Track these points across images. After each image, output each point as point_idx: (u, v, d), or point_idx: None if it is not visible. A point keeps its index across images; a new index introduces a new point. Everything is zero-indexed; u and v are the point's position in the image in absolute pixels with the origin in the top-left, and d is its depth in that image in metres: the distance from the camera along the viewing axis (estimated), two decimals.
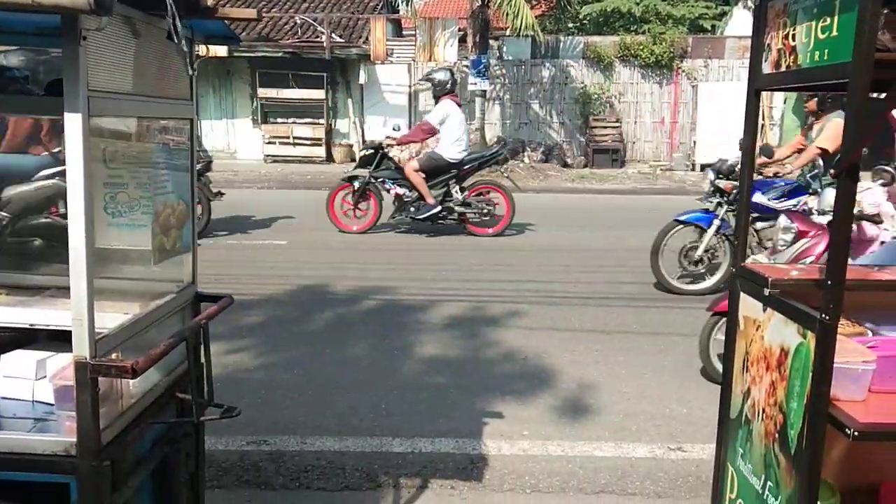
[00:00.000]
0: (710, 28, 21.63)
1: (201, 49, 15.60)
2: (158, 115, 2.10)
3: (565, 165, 16.58)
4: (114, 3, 1.43)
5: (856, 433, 1.52)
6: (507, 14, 14.96)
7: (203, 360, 2.14)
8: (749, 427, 1.95)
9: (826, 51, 1.62)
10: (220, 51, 15.52)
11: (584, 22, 23.45)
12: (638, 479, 3.07)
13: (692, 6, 21.81)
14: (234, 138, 18.08)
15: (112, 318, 1.92)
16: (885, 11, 1.53)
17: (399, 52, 18.06)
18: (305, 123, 17.23)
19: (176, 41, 1.67)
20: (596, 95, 17.66)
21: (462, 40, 17.59)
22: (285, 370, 4.30)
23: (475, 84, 15.40)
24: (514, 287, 6.26)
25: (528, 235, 8.83)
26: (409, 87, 17.97)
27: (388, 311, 5.54)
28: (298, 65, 16.94)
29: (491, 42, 17.03)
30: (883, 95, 1.68)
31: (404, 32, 20.68)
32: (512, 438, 3.44)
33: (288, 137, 17.12)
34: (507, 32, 17.55)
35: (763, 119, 16.95)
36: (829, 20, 1.61)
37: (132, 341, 1.89)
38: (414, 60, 17.56)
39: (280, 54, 16.73)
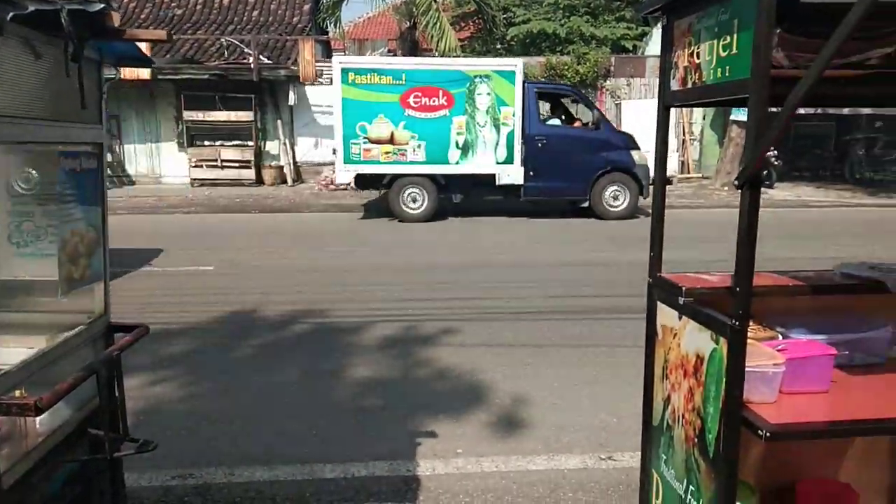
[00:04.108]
0: (631, 48, 22.40)
1: (123, 72, 15.23)
2: (62, 139, 2.02)
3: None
4: (5, 24, 1.36)
5: (768, 434, 1.57)
6: (432, 36, 15.16)
7: (117, 393, 2.05)
8: (670, 433, 1.99)
9: (728, 67, 1.69)
10: (143, 73, 15.15)
11: (512, 43, 23.92)
12: (570, 491, 3.09)
13: (614, 27, 22.55)
14: (158, 162, 17.60)
15: (16, 353, 1.82)
16: (778, 31, 1.61)
17: (329, 73, 18.00)
18: (233, 146, 16.93)
19: (77, 62, 1.60)
20: None
21: None
22: (212, 399, 4.16)
23: None
24: (448, 305, 6.27)
25: (468, 253, 8.88)
26: None
27: (320, 335, 5.46)
28: (225, 87, 16.67)
29: None
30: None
31: (334, 53, 20.65)
32: (446, 457, 3.42)
33: (215, 160, 16.78)
34: (435, 53, 17.75)
35: (684, 135, 17.65)
36: (729, 39, 1.68)
37: (39, 376, 1.80)
38: None
39: (206, 76, 16.42)
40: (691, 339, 1.86)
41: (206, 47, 17.65)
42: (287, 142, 17.29)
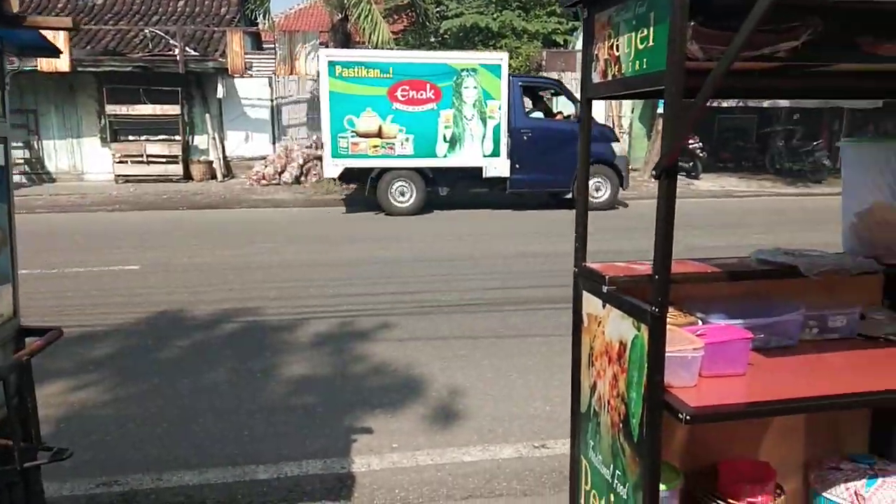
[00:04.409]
0: (562, 42, 22.74)
1: (40, 63, 14.49)
2: None
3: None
4: None
5: (688, 418, 1.61)
6: (364, 28, 15.01)
7: (28, 399, 1.94)
8: (597, 420, 2.03)
9: (645, 60, 1.72)
10: (62, 65, 14.47)
11: (446, 37, 23.94)
12: (505, 480, 3.12)
13: (545, 22, 22.81)
14: (80, 159, 16.86)
15: None
16: (692, 24, 1.65)
17: (259, 66, 17.61)
18: (160, 140, 16.37)
19: None
20: None
21: None
22: (138, 403, 4.02)
23: None
24: (387, 299, 6.23)
25: (403, 245, 8.85)
26: (272, 100, 17.56)
27: (251, 333, 5.34)
28: (150, 79, 16.08)
29: None
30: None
31: (264, 46, 20.21)
32: (381, 452, 3.40)
33: (141, 156, 16.19)
34: (369, 46, 17.58)
35: (614, 127, 18.04)
36: (646, 31, 1.71)
37: None
38: (275, 74, 17.17)
39: (129, 69, 15.80)
40: (615, 327, 1.89)
41: (129, 38, 16.97)
42: (216, 136, 16.84)
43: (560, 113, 13.18)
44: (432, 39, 23.66)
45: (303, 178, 15.39)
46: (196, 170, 16.49)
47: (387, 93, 11.53)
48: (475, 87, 11.76)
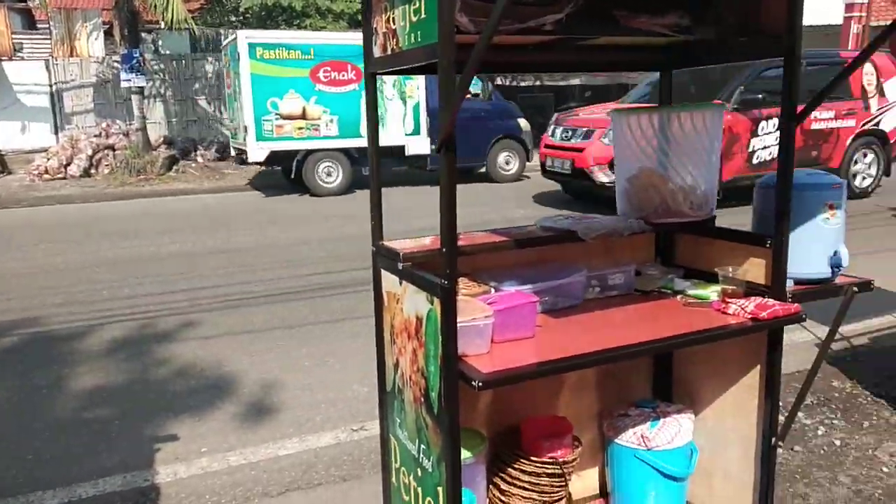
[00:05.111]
0: None
1: None
2: None
3: (243, 163, 16.07)
4: None
5: (480, 384, 1.64)
6: (156, 6, 13.92)
7: None
8: (402, 396, 2.02)
9: (419, 33, 1.70)
10: None
11: (247, 16, 22.90)
12: (323, 469, 3.06)
13: (350, 2, 22.59)
14: None
15: None
16: None
17: (32, 47, 15.76)
18: None
19: None
20: None
21: (109, 33, 15.95)
22: None
23: (129, 81, 14.07)
24: (188, 296, 5.85)
25: (199, 237, 8.35)
26: (51, 86, 15.80)
27: (33, 346, 4.76)
28: None
29: (144, 35, 15.76)
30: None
31: (38, 25, 18.10)
32: (189, 459, 3.18)
33: None
34: (161, 25, 16.36)
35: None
36: (418, 3, 1.69)
37: None
38: (52, 56, 15.45)
39: None
40: (411, 303, 1.89)
41: None
42: None
43: (469, 92, 13.38)
44: (233, 19, 22.55)
45: (93, 171, 14.02)
46: None
47: (309, 74, 11.43)
48: None
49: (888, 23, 1.98)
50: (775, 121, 8.78)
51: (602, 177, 9.01)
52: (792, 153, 1.99)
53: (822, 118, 9.82)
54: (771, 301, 1.99)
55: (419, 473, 1.93)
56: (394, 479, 2.18)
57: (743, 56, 2.22)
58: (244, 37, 11.55)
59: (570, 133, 9.79)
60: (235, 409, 3.70)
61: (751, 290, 2.07)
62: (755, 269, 2.11)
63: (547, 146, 10.21)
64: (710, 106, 2.31)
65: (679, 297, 2.20)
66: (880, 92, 10.30)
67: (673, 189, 2.21)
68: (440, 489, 1.79)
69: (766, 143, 9.20)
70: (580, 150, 9.36)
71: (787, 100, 1.95)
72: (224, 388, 3.95)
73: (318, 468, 3.06)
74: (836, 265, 2.08)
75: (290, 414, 3.62)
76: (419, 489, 1.95)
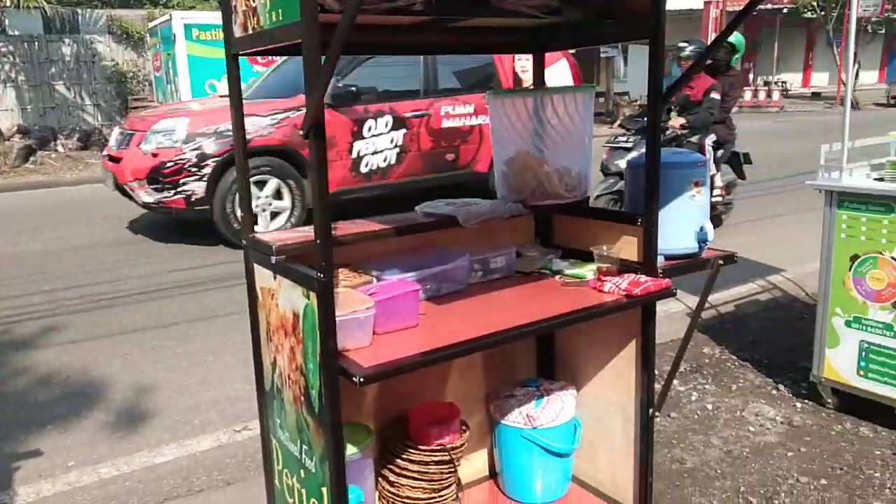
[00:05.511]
0: None
1: None
2: None
3: None
4: None
5: (361, 380, 1.58)
6: None
7: None
8: (281, 396, 1.93)
9: (281, 11, 1.60)
10: None
11: None
12: (205, 473, 2.90)
13: None
14: None
15: None
16: None
17: None
18: None
19: None
20: (132, 74, 16.37)
21: None
22: None
23: None
24: (51, 297, 5.40)
25: (61, 233, 7.74)
26: None
27: None
28: None
29: None
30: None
31: None
32: (54, 475, 2.93)
33: None
34: (7, 3, 14.94)
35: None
36: None
37: None
38: None
39: None
40: (287, 298, 1.80)
41: None
42: None
43: None
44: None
45: None
46: None
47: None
48: None
49: (741, 7, 2.08)
50: (388, 119, 7.25)
51: (143, 195, 6.61)
52: (658, 132, 2.05)
53: (457, 113, 7.78)
54: (643, 277, 2.05)
55: (302, 475, 1.86)
56: (277, 482, 2.09)
57: (612, 38, 2.26)
58: (179, 17, 11.34)
59: (122, 138, 7.28)
60: (106, 417, 3.45)
61: (625, 267, 2.12)
62: (628, 246, 2.17)
63: (108, 157, 7.42)
64: (581, 88, 2.34)
65: (558, 276, 2.23)
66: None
67: (548, 171, 2.22)
68: (324, 489, 1.73)
69: (377, 146, 7.20)
70: (118, 160, 6.98)
71: (653, 80, 1.99)
72: (92, 396, 3.67)
73: (200, 473, 2.90)
74: (702, 240, 2.17)
75: (167, 418, 3.41)
76: (303, 490, 1.87)
